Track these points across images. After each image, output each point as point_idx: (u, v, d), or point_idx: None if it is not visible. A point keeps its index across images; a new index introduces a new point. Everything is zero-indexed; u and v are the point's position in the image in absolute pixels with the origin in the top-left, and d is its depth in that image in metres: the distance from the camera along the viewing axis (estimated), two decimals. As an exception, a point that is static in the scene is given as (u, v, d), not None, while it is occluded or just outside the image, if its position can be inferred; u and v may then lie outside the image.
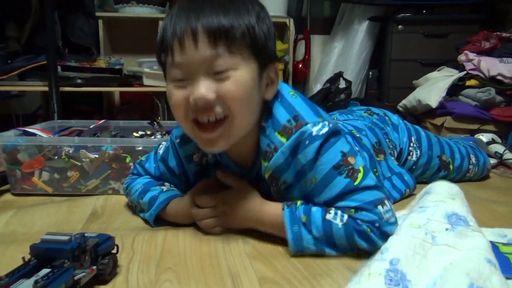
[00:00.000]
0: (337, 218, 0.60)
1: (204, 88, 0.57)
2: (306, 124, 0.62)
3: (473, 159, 1.07)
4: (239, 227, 0.69)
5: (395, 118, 1.04)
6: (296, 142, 0.62)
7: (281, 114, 0.64)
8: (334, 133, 0.63)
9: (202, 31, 0.56)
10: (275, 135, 0.63)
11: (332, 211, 0.61)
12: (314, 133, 0.61)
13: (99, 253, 0.53)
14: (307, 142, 0.61)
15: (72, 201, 0.91)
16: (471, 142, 1.15)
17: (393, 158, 0.94)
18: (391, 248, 0.52)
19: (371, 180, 0.62)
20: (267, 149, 0.65)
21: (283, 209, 0.63)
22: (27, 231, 0.73)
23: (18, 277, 0.46)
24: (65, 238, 0.50)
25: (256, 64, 0.60)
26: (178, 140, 0.75)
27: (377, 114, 1.03)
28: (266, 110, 0.65)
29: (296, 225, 0.61)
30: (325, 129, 0.61)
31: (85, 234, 0.53)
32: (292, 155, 0.63)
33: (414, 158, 1.00)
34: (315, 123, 0.62)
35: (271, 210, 0.65)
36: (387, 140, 0.95)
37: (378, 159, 0.89)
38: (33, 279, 0.45)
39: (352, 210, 0.60)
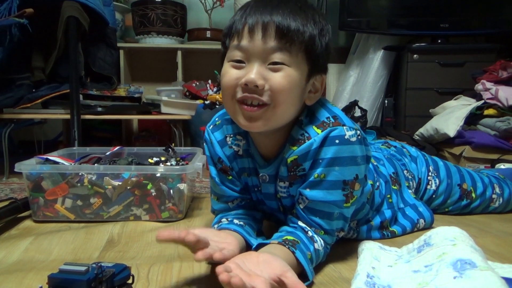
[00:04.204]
0: (319, 245, 0.67)
1: (257, 74, 0.63)
2: (343, 125, 0.67)
3: (497, 189, 1.05)
4: None
5: (413, 150, 1.05)
6: (327, 134, 0.66)
7: (321, 113, 0.70)
8: (366, 157, 0.69)
9: (272, 25, 0.62)
10: (312, 128, 0.68)
11: (315, 238, 0.67)
12: (346, 136, 0.66)
13: (115, 284, 0.53)
14: (336, 141, 0.65)
15: (89, 228, 0.92)
16: (497, 173, 1.13)
17: (410, 190, 0.94)
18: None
19: (352, 210, 0.71)
20: (299, 138, 0.69)
21: (293, 252, 0.62)
22: (45, 258, 0.74)
23: None
24: (83, 269, 0.51)
25: (306, 68, 0.66)
26: (211, 127, 0.80)
27: (395, 147, 1.04)
28: (306, 110, 0.70)
29: (310, 265, 0.64)
30: (354, 138, 0.66)
31: (102, 264, 0.53)
32: (320, 146, 0.66)
33: (433, 187, 1.00)
34: (350, 128, 0.67)
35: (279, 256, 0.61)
36: (405, 171, 0.96)
37: (393, 187, 0.90)
38: None
39: (322, 231, 0.69)
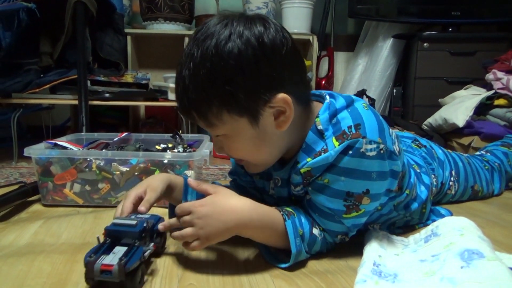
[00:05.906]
0: (317, 232, 0.66)
1: (215, 147, 0.69)
2: (364, 137, 0.61)
3: (493, 185, 1.12)
4: (220, 233, 0.60)
5: (440, 152, 1.01)
6: (343, 148, 0.61)
7: (346, 120, 0.63)
8: (390, 172, 0.66)
9: (191, 113, 0.63)
10: (331, 139, 0.63)
11: (315, 224, 0.67)
12: (362, 149, 0.61)
13: (154, 232, 0.64)
14: (350, 152, 0.61)
15: (97, 212, 0.93)
16: (497, 162, 1.14)
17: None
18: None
19: (356, 222, 0.67)
20: (316, 148, 0.64)
21: (284, 219, 0.63)
22: (55, 241, 0.75)
23: (100, 254, 0.55)
24: (133, 222, 0.60)
25: (245, 119, 0.61)
26: None
27: (425, 147, 1.00)
28: (328, 113, 0.65)
29: (298, 239, 0.63)
30: (374, 152, 0.62)
31: (145, 217, 0.63)
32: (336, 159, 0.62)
33: (453, 191, 1.00)
34: (370, 141, 0.62)
35: (264, 212, 0.63)
36: (432, 175, 0.93)
37: (430, 198, 0.88)
38: (113, 256, 0.54)
39: (321, 228, 0.67)
